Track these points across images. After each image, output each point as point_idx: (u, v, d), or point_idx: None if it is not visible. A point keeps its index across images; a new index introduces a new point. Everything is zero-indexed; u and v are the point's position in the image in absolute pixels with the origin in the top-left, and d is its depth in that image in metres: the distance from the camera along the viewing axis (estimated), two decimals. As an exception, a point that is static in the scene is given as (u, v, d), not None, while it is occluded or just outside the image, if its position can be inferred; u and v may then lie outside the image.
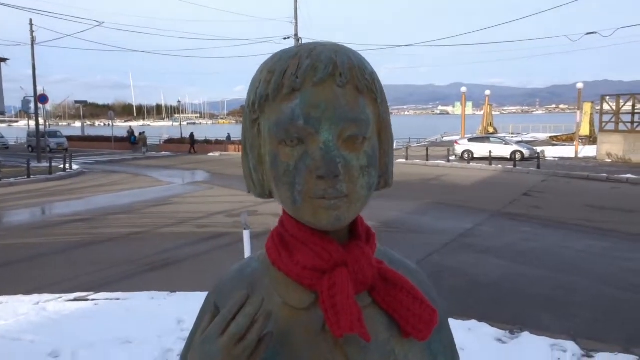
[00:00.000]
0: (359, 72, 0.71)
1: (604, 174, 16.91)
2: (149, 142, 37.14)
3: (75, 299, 5.15)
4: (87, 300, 5.14)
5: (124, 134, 40.97)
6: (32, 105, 26.53)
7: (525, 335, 4.21)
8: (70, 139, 38.59)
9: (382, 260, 0.80)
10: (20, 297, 5.22)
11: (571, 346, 3.98)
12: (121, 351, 3.84)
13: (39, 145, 26.49)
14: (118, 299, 5.10)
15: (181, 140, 38.27)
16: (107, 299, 5.13)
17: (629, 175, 16.33)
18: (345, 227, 0.78)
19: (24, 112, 36.43)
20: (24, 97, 27.51)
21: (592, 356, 3.84)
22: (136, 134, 37.75)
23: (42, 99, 26.97)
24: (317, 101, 0.68)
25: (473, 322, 4.41)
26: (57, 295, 5.27)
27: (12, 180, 17.59)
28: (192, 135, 34.56)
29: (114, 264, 7.20)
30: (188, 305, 4.62)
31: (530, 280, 6.33)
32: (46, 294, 5.33)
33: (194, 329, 0.76)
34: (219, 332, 0.66)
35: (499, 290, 6.01)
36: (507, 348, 3.99)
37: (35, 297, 5.17)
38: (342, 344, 0.73)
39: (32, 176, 18.49)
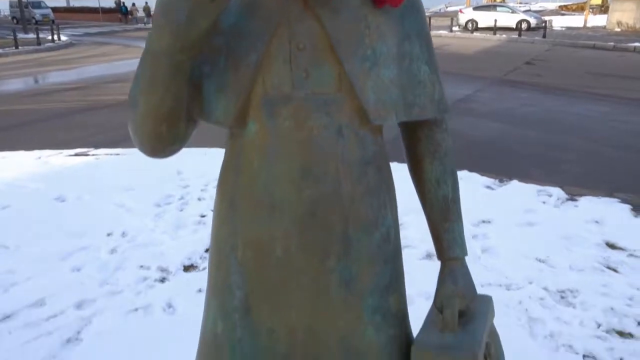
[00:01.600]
0: None
1: (612, 43, 16.34)
2: (140, 13, 35.30)
3: (76, 154, 5.25)
4: (87, 155, 5.24)
5: (112, 5, 38.81)
6: (9, -29, 24.78)
7: (514, 182, 4.36)
8: (55, 10, 36.55)
9: None
10: (21, 152, 5.31)
11: (557, 192, 4.14)
12: (124, 197, 3.99)
13: (24, 16, 25.29)
14: (118, 154, 5.20)
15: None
16: (107, 154, 5.23)
17: (636, 44, 15.78)
18: None
19: (2, -19, 34.17)
20: (0, -38, 25.55)
21: (576, 200, 4.01)
22: (128, 5, 35.75)
23: (20, -37, 25.10)
24: None
25: (464, 172, 4.54)
26: (58, 151, 5.36)
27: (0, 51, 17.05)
28: None
29: (112, 127, 7.22)
30: (188, 159, 4.73)
31: (525, 140, 6.41)
32: (47, 150, 5.42)
33: None
34: None
35: (492, 148, 6.11)
36: (495, 193, 4.15)
37: (36, 153, 5.27)
38: (313, 5, 0.73)
39: (20, 47, 17.86)
